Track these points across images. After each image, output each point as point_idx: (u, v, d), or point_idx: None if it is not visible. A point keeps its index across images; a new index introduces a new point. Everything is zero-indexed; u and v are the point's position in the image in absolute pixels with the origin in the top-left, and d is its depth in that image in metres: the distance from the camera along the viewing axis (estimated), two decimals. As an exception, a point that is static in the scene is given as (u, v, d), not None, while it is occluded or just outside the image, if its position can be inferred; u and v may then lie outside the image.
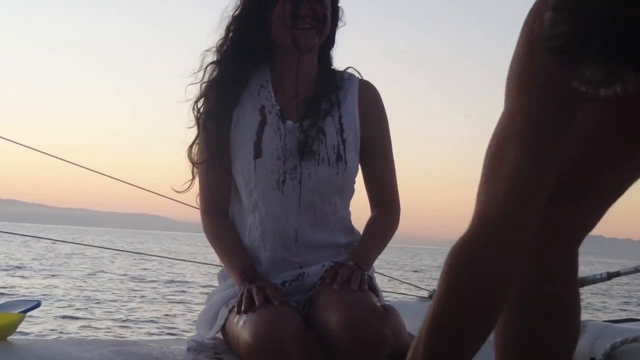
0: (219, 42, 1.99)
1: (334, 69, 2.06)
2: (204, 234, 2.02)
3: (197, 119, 2.00)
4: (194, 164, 2.01)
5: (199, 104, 1.99)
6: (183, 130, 2.03)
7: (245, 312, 1.76)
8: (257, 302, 1.76)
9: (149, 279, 24.58)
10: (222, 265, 2.00)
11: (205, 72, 1.99)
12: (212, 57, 2.00)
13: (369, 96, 2.03)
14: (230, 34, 1.98)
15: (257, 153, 1.93)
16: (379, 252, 2.01)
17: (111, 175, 3.18)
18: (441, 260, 1.35)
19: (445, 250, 1.35)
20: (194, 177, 2.02)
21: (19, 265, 27.86)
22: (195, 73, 1.99)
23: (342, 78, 2.04)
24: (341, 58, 2.08)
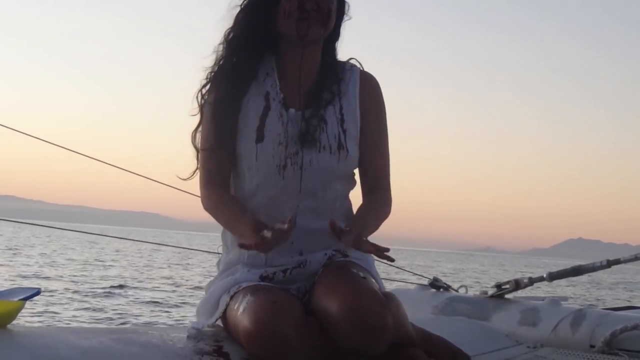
0: (227, 32, 2.02)
1: (336, 60, 2.09)
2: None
3: (201, 107, 2.02)
4: (198, 150, 2.02)
5: (204, 92, 2.01)
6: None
7: (257, 245, 1.73)
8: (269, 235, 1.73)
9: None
10: (229, 229, 1.98)
11: (215, 63, 2.02)
12: (220, 48, 2.02)
13: (369, 87, 2.07)
14: (238, 25, 2.01)
15: (259, 137, 1.95)
16: (374, 228, 1.99)
17: (113, 164, 3.16)
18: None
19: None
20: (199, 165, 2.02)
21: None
22: (208, 67, 2.02)
23: (344, 69, 2.07)
24: (345, 51, 2.12)
